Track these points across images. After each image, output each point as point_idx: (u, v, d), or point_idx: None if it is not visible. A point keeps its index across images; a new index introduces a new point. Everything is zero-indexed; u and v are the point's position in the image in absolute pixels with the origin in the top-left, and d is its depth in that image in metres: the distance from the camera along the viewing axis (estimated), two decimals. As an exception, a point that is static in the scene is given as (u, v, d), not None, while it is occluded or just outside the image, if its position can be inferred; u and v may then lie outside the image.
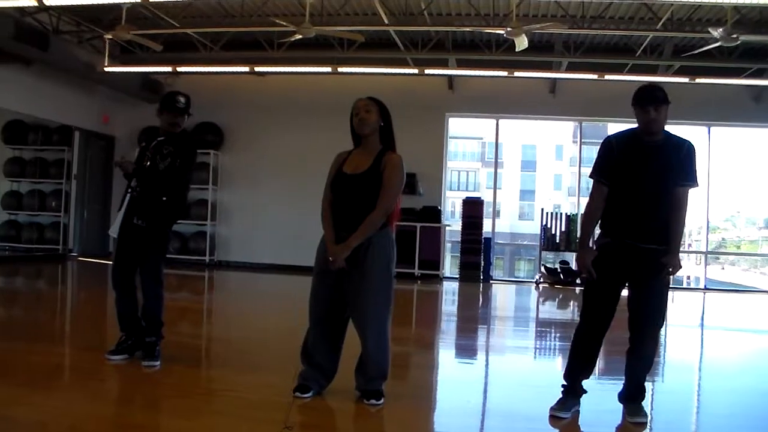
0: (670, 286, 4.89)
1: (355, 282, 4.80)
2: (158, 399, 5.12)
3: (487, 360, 7.79)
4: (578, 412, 4.88)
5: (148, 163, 5.78)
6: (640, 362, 4.89)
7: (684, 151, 4.78)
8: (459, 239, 16.57)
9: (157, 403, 5.01)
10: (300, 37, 11.77)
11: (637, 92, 4.84)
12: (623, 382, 4.96)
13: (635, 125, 4.88)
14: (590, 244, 4.95)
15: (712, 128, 16.63)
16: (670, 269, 4.68)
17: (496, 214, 18.67)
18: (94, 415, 4.45)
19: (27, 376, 5.32)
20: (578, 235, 5.18)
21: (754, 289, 18.68)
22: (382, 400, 4.81)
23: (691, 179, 4.77)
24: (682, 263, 4.75)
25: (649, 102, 4.72)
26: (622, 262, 4.81)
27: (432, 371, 6.81)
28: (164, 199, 5.78)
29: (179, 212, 5.95)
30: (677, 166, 4.75)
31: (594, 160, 4.99)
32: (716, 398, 6.01)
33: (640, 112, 4.76)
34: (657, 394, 5.87)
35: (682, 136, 4.89)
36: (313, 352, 4.92)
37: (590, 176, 4.96)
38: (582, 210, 16.35)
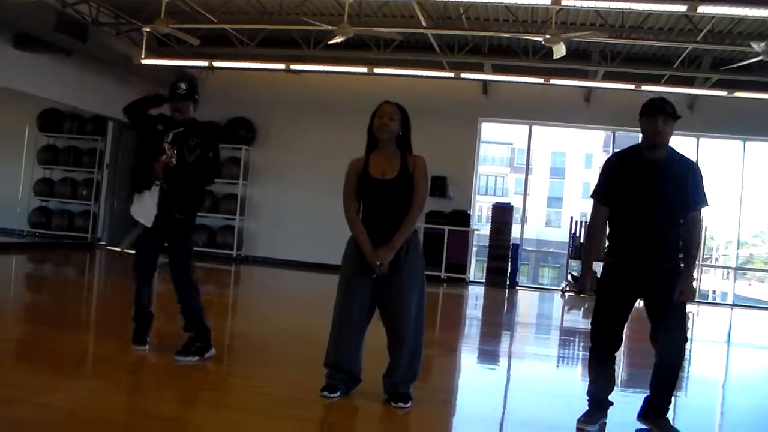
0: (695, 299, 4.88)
1: (393, 285, 4.83)
2: (185, 393, 5.17)
3: (509, 366, 7.78)
4: (605, 424, 4.85)
5: (174, 160, 5.73)
6: (666, 374, 4.85)
7: (692, 174, 4.76)
8: (486, 244, 16.54)
9: (184, 397, 5.05)
10: (339, 40, 11.80)
11: (646, 102, 4.84)
12: (645, 398, 4.89)
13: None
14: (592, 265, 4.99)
15: (747, 143, 16.46)
16: (682, 293, 4.65)
17: (524, 220, 18.59)
18: (123, 406, 4.51)
19: (57, 364, 5.39)
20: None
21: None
22: (410, 403, 4.81)
23: (701, 201, 4.75)
24: (694, 287, 4.71)
25: (659, 111, 4.72)
26: (634, 281, 4.78)
27: (454, 376, 6.81)
28: (198, 190, 5.87)
29: (203, 202, 6.05)
30: (687, 189, 4.73)
31: (597, 180, 5.00)
32: (740, 417, 5.94)
33: (648, 120, 4.75)
34: (680, 409, 5.82)
35: (685, 155, 4.87)
36: (338, 353, 4.91)
37: (591, 196, 4.99)
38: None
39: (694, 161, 4.86)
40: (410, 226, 4.84)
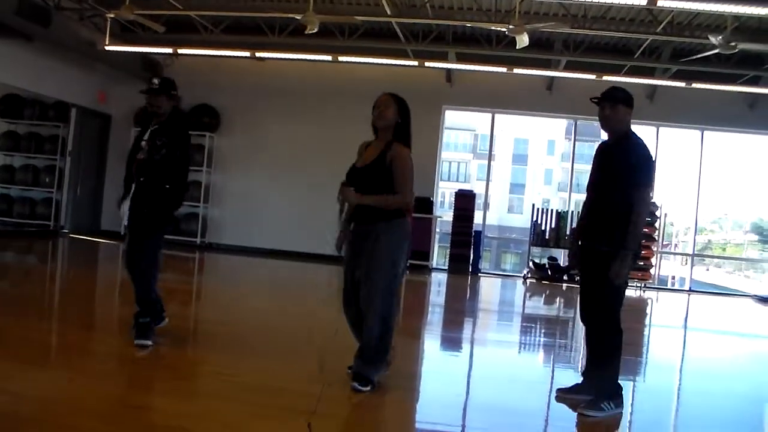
0: (622, 283, 5.06)
1: (361, 270, 5.01)
2: (156, 381, 5.24)
3: (472, 353, 7.91)
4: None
5: (143, 156, 5.83)
6: (590, 358, 5.29)
7: (630, 158, 5.00)
8: (448, 230, 16.68)
9: (154, 385, 5.12)
10: (312, 30, 11.80)
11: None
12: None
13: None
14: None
15: (705, 132, 16.77)
16: (612, 275, 4.90)
17: (486, 206, 18.75)
18: (96, 395, 4.54)
19: (23, 352, 5.41)
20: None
21: (738, 292, 18.84)
22: (367, 387, 4.93)
23: (632, 185, 4.93)
24: (623, 272, 4.91)
25: (604, 99, 5.07)
26: (583, 263, 5.23)
27: (417, 362, 6.93)
28: (167, 187, 5.87)
29: (181, 198, 6.04)
30: (625, 170, 4.97)
31: None
32: (695, 399, 6.14)
33: (598, 109, 5.14)
34: (638, 393, 6.01)
35: (636, 141, 5.09)
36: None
37: None
38: (573, 207, 16.55)
39: (640, 146, 5.03)
40: (385, 201, 4.94)
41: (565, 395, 5.30)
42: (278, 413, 4.08)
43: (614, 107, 5.07)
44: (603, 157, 5.23)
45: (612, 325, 5.04)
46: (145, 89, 5.97)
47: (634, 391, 6.04)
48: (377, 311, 4.93)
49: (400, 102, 5.17)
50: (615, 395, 5.00)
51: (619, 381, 5.06)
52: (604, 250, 4.99)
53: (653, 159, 5.11)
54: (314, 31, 11.95)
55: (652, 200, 14.38)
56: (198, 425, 4.10)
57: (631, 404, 5.47)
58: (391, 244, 5.00)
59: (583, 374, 5.34)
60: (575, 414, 4.96)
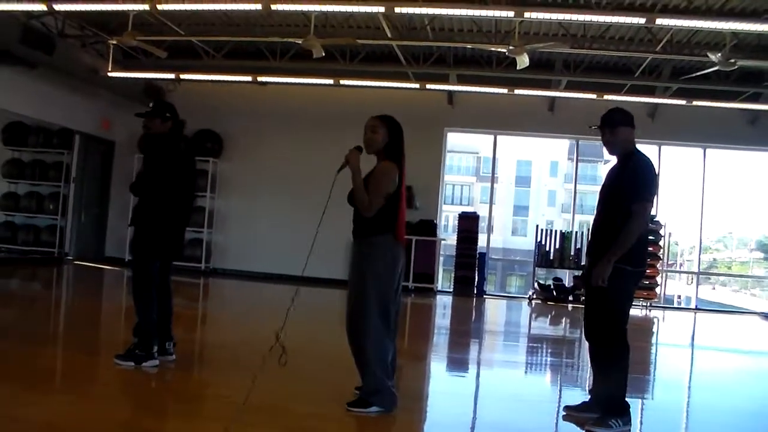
0: (625, 300, 5.06)
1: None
2: (160, 404, 5.25)
3: (478, 374, 7.87)
4: None
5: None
6: (596, 376, 5.23)
7: (627, 172, 5.04)
8: (452, 253, 16.67)
9: (157, 408, 5.10)
10: (319, 54, 11.89)
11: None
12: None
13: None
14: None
15: (707, 150, 16.80)
16: (593, 278, 4.96)
17: (490, 229, 18.75)
18: (99, 417, 4.52)
19: (29, 378, 5.39)
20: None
21: (744, 310, 18.77)
22: (357, 409, 4.92)
23: (630, 198, 4.94)
24: (604, 275, 4.93)
25: (603, 124, 5.14)
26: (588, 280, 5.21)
27: (424, 383, 6.89)
28: (143, 203, 6.01)
29: (157, 214, 6.01)
30: (627, 187, 4.99)
31: None
32: (704, 416, 6.10)
33: (600, 134, 5.19)
34: (646, 411, 5.97)
35: (642, 159, 5.10)
36: None
37: None
38: (577, 227, 16.54)
39: (643, 162, 5.06)
40: (358, 191, 4.92)
41: (572, 413, 5.27)
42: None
43: (614, 131, 5.12)
44: (609, 177, 5.26)
45: (617, 341, 5.01)
46: (139, 112, 6.11)
47: (642, 408, 6.00)
48: (352, 329, 5.00)
49: (387, 122, 5.14)
50: (623, 412, 4.96)
51: (626, 398, 5.03)
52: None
53: (655, 175, 5.12)
54: (321, 56, 12.04)
55: (655, 218, 14.48)
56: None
57: (640, 421, 5.43)
58: (362, 261, 5.01)
59: (590, 392, 5.31)
60: (583, 432, 4.93)
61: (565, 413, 5.34)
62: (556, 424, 5.36)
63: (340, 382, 5.56)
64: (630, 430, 4.98)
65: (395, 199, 5.02)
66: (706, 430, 5.58)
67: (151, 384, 5.77)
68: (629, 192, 4.94)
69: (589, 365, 5.32)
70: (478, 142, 35.23)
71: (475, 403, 6.17)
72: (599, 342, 5.12)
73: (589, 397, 5.27)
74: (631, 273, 4.96)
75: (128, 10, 12.09)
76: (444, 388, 6.86)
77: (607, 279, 4.90)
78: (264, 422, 4.02)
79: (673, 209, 17.44)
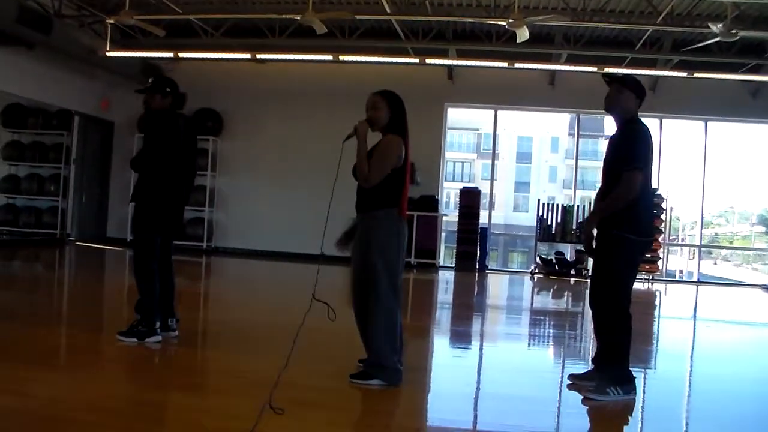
0: (628, 270, 5.12)
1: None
2: (166, 378, 5.27)
3: (481, 346, 7.88)
4: None
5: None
6: (599, 344, 5.26)
7: (622, 138, 5.08)
8: (454, 230, 16.67)
9: (165, 382, 5.12)
10: (321, 31, 11.82)
11: None
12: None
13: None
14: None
15: (709, 123, 16.75)
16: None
17: (491, 205, 18.73)
18: (105, 393, 4.55)
19: (32, 356, 5.40)
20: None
21: (746, 283, 18.80)
22: (359, 381, 4.94)
23: (623, 163, 4.95)
24: (589, 238, 5.17)
25: (614, 80, 5.20)
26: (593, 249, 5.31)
27: (427, 356, 6.91)
28: (143, 179, 6.02)
29: (158, 190, 6.01)
30: (619, 152, 5.04)
31: None
32: (706, 386, 6.10)
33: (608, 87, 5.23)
34: (649, 380, 5.98)
35: (640, 128, 5.09)
36: None
37: None
38: (578, 202, 16.53)
39: (640, 130, 5.05)
40: (361, 161, 4.90)
41: (577, 382, 5.28)
42: (288, 406, 4.05)
43: (621, 90, 5.11)
44: (609, 147, 5.25)
45: (619, 310, 5.02)
46: (139, 88, 6.10)
47: (645, 378, 6.01)
48: (360, 301, 5.04)
49: (388, 97, 5.10)
50: (624, 381, 4.97)
51: (629, 368, 5.03)
52: (606, 233, 5.04)
53: (650, 145, 5.05)
54: (324, 32, 11.98)
55: (657, 191, 14.43)
56: (209, 418, 4.09)
57: (643, 390, 5.45)
58: (367, 234, 5.00)
59: (592, 360, 5.32)
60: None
61: (570, 382, 5.36)
62: (560, 393, 5.38)
63: (343, 357, 5.57)
64: (634, 399, 5.00)
65: (401, 174, 5.00)
66: (708, 398, 5.58)
67: (155, 359, 5.79)
68: (622, 159, 4.96)
69: (592, 336, 5.34)
70: (479, 118, 35.09)
71: (479, 375, 6.18)
72: (602, 311, 5.12)
73: (593, 365, 5.28)
74: (635, 242, 4.96)
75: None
76: (447, 361, 6.90)
77: (612, 248, 4.92)
78: (265, 395, 4.02)
79: (674, 184, 17.29)
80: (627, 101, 5.11)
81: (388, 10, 12.80)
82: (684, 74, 14.41)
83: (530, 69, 15.28)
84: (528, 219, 32.47)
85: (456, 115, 19.49)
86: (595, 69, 14.16)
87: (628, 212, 4.94)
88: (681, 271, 19.53)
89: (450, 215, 18.33)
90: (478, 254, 16.28)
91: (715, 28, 11.24)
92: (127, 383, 5.02)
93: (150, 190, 5.99)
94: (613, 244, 4.97)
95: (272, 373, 4.41)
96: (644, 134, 5.02)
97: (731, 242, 35.54)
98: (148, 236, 6.01)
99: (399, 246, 5.02)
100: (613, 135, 5.25)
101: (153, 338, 5.89)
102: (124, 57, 15.33)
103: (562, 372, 6.36)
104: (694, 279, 17.32)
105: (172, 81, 6.20)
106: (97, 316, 7.92)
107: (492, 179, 19.25)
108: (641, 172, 4.90)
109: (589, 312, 5.36)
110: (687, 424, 4.91)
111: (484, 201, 17.55)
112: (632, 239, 4.93)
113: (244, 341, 6.63)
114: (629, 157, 4.92)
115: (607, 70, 13.95)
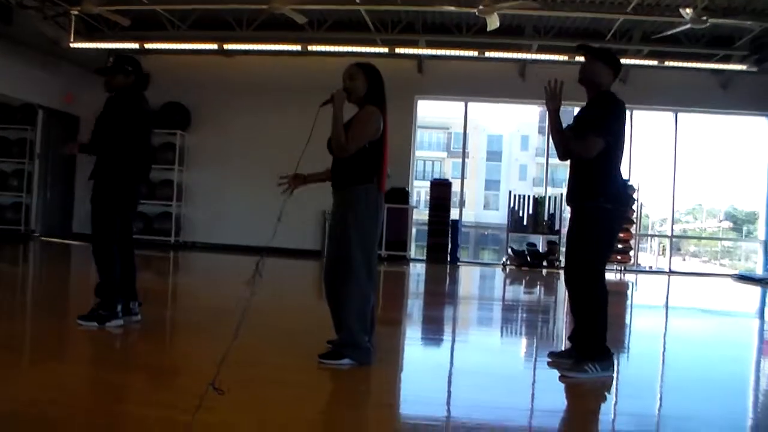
0: (605, 239, 5.06)
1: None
2: (125, 361, 5.17)
3: (454, 329, 7.77)
4: None
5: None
6: (576, 322, 5.16)
7: (593, 105, 5.04)
8: (425, 227, 16.59)
9: (125, 365, 4.99)
10: (301, 21, 11.65)
11: None
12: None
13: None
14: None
15: (679, 114, 16.81)
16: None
17: (462, 203, 18.68)
18: (62, 376, 4.43)
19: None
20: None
21: (717, 273, 18.93)
22: (329, 361, 4.83)
23: (589, 129, 4.88)
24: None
25: (589, 51, 5.17)
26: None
27: (399, 339, 6.79)
28: (103, 157, 5.85)
29: (118, 169, 5.84)
30: (587, 117, 5.01)
31: None
32: (679, 365, 6.06)
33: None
34: (621, 363, 5.92)
35: (609, 96, 5.03)
36: None
37: None
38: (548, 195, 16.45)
39: (608, 98, 4.99)
40: (338, 130, 4.80)
41: (556, 359, 5.19)
42: (255, 386, 3.95)
43: (594, 61, 5.07)
44: (576, 116, 5.19)
45: (595, 285, 4.94)
46: (99, 68, 5.94)
47: (618, 361, 5.94)
48: (335, 276, 4.91)
49: (365, 68, 5.01)
50: (601, 357, 4.89)
51: (606, 344, 4.94)
52: (580, 206, 4.99)
53: (618, 116, 4.95)
54: (304, 22, 11.81)
55: (628, 182, 14.41)
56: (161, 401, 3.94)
57: (618, 371, 5.37)
58: (343, 207, 4.91)
59: (569, 338, 5.22)
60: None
61: (549, 360, 5.26)
62: (534, 371, 5.30)
63: (311, 337, 5.45)
64: (612, 376, 4.92)
65: (378, 147, 4.90)
66: (681, 377, 5.50)
67: (116, 344, 5.62)
68: (589, 123, 4.91)
69: (567, 319, 5.26)
70: (449, 115, 35.05)
71: (452, 356, 6.08)
72: (578, 285, 5.02)
73: (570, 344, 5.18)
74: (611, 211, 4.88)
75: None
76: (419, 343, 6.78)
77: (588, 220, 4.91)
78: (234, 375, 3.89)
79: (644, 180, 17.23)
80: (601, 73, 5.04)
81: (358, 0, 12.68)
82: (655, 63, 14.45)
83: (501, 60, 15.25)
84: (498, 217, 32.54)
85: (426, 112, 19.40)
86: (566, 57, 14.14)
87: (602, 184, 4.87)
88: (651, 267, 19.60)
89: (421, 213, 18.24)
90: (450, 246, 16.19)
91: (686, 13, 11.25)
92: (86, 368, 4.85)
93: (112, 170, 5.80)
94: (589, 216, 4.90)
95: (241, 354, 4.30)
96: (616, 106, 4.94)
97: (700, 240, 35.89)
98: (108, 216, 5.82)
99: (376, 222, 4.94)
100: (582, 107, 5.16)
101: (114, 322, 5.74)
102: (89, 49, 15.03)
103: (536, 353, 6.28)
104: (666, 269, 17.36)
105: (134, 59, 6.04)
106: (60, 305, 7.71)
107: (462, 177, 19.18)
108: (604, 140, 4.80)
109: (562, 299, 5.29)
110: (660, 399, 4.84)
111: (455, 199, 17.49)
112: (607, 208, 4.86)
113: (207, 326, 6.45)
114: (596, 123, 4.86)
115: (578, 59, 13.97)
